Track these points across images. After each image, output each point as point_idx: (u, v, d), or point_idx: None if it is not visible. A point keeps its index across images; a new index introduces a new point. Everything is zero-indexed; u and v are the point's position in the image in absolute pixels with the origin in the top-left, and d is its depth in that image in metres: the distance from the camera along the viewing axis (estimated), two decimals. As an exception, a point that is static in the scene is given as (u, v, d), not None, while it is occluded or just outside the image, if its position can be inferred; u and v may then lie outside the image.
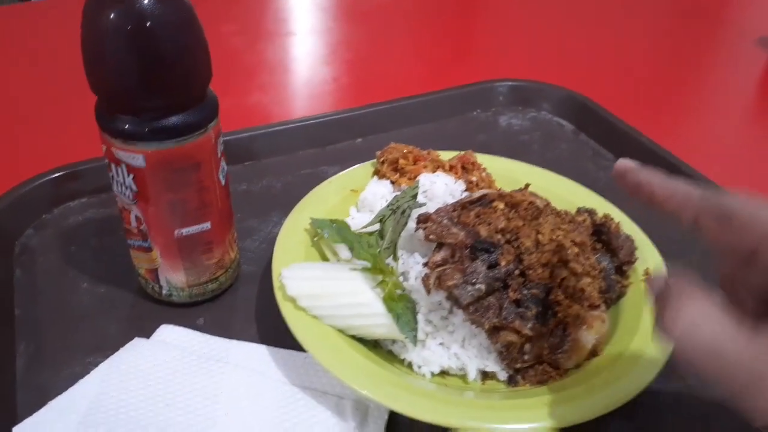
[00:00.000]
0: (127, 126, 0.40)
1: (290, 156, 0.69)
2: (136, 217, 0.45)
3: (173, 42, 0.39)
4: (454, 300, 0.42)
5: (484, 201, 0.45)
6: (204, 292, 0.50)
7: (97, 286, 0.52)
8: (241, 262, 0.54)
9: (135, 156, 0.41)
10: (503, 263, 0.42)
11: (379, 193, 0.52)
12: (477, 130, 0.74)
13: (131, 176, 0.43)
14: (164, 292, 0.49)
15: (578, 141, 0.72)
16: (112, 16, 0.37)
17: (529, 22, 1.02)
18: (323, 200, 0.55)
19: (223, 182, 0.47)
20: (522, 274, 0.43)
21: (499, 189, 0.46)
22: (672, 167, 0.65)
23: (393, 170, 0.54)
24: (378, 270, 0.43)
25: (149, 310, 0.50)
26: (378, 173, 0.57)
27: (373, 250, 0.44)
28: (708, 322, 0.27)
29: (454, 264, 0.43)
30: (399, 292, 0.43)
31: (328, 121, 0.70)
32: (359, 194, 0.56)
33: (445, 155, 0.58)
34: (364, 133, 0.72)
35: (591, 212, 0.50)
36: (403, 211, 0.45)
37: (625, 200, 0.55)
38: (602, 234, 0.49)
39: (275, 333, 0.48)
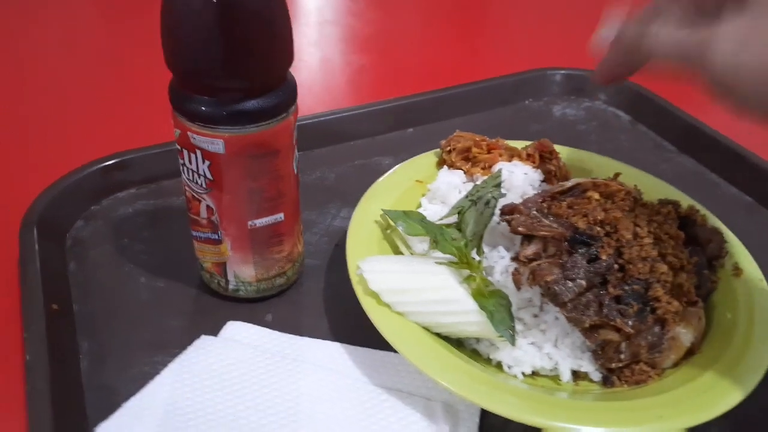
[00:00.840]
0: (207, 108, 0.38)
1: (341, 146, 0.66)
2: (207, 207, 0.43)
3: (263, 17, 0.36)
4: (551, 296, 0.39)
5: (576, 191, 0.43)
6: (272, 286, 0.48)
7: (155, 280, 0.49)
8: (305, 254, 0.52)
9: (214, 141, 0.39)
10: (604, 257, 0.40)
11: (452, 183, 0.50)
12: (531, 120, 0.71)
13: (207, 163, 0.40)
14: (231, 286, 0.47)
15: (637, 132, 0.70)
16: (194, -12, 0.35)
17: (580, 7, 1.00)
18: (388, 191, 0.52)
19: (295, 170, 0.44)
20: (621, 268, 0.40)
21: (593, 179, 0.43)
22: (737, 157, 0.62)
23: (464, 159, 0.52)
24: (465, 264, 0.41)
25: (213, 306, 0.48)
26: (445, 163, 0.54)
27: (458, 243, 0.42)
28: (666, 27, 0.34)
29: (550, 258, 0.40)
30: (490, 288, 0.41)
31: (378, 110, 0.68)
32: (425, 184, 0.54)
33: (512, 144, 0.56)
34: (414, 122, 0.69)
35: (675, 204, 0.48)
36: (487, 202, 0.43)
37: (701, 194, 0.53)
38: (688, 226, 0.47)
39: (348, 329, 0.46)
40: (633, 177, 0.53)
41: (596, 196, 0.42)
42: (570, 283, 0.39)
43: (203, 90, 0.38)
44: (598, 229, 0.40)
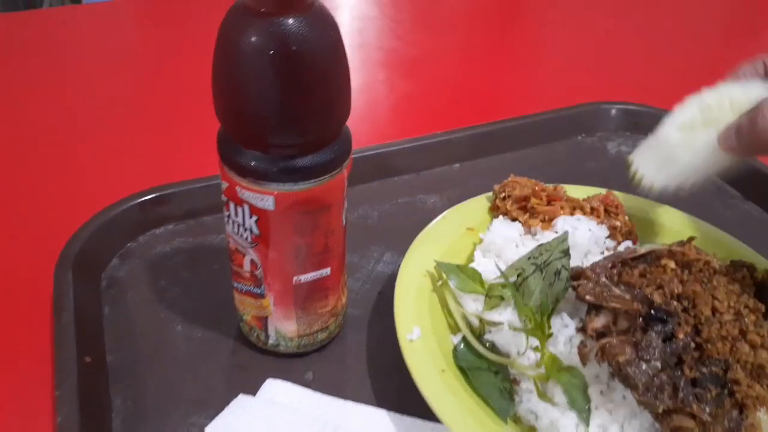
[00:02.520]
0: (258, 164, 0.35)
1: (384, 182, 0.63)
2: (252, 261, 0.40)
3: (322, 70, 0.34)
4: (623, 378, 0.36)
5: (649, 257, 0.40)
6: (313, 342, 0.45)
7: (193, 329, 0.47)
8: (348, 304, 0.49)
9: (264, 197, 0.36)
10: (681, 336, 0.36)
11: (509, 236, 0.47)
12: (585, 157, 0.68)
13: (254, 218, 0.38)
14: (271, 341, 0.44)
15: (697, 174, 0.66)
16: (253, 37, 0.32)
17: (636, 38, 0.95)
18: (438, 239, 0.50)
19: (344, 222, 0.42)
20: (697, 347, 0.37)
21: (668, 245, 0.40)
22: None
23: (520, 209, 0.49)
24: (538, 332, 0.38)
25: (252, 360, 0.45)
26: (498, 210, 0.51)
27: (531, 308, 0.39)
28: None
29: (622, 333, 0.37)
30: (560, 363, 0.38)
31: (423, 144, 0.65)
32: (477, 233, 0.51)
33: (572, 191, 0.52)
34: (460, 157, 0.67)
35: (750, 267, 0.44)
36: (558, 272, 0.39)
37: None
38: (765, 293, 0.43)
39: (393, 392, 0.43)
40: (701, 233, 0.49)
41: (672, 265, 0.39)
42: (644, 365, 0.36)
43: (255, 144, 0.35)
44: (675, 304, 0.37)
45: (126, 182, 0.56)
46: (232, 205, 0.38)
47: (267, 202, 0.36)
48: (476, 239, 0.50)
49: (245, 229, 0.39)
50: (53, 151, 0.65)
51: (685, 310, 0.37)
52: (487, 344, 0.43)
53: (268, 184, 0.36)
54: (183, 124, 0.69)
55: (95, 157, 0.65)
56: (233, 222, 0.39)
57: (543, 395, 0.37)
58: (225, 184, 0.38)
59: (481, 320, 0.43)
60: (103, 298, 0.49)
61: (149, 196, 0.55)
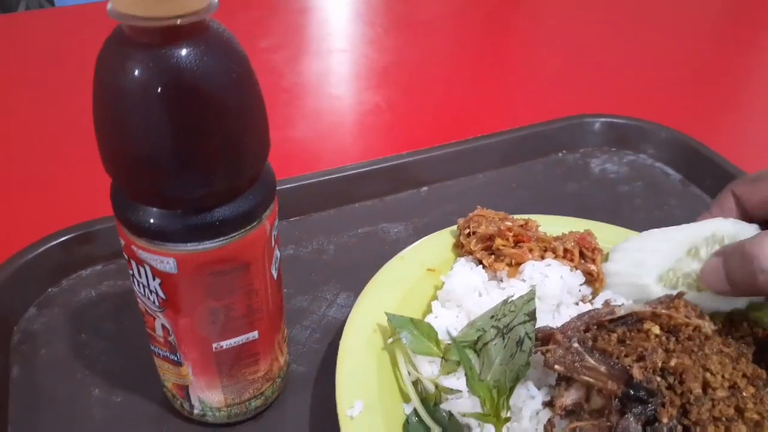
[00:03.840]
0: (154, 221, 0.29)
1: (343, 210, 0.57)
2: (163, 326, 0.34)
3: (222, 107, 0.27)
4: (597, 470, 0.30)
5: (630, 320, 0.34)
6: (246, 410, 0.39)
7: (112, 393, 0.41)
8: (290, 360, 0.43)
9: (164, 260, 0.30)
10: (665, 420, 0.30)
11: (471, 284, 0.41)
12: (565, 177, 0.62)
13: (158, 281, 0.32)
14: (196, 411, 0.38)
15: (690, 195, 0.60)
16: (134, 72, 0.26)
17: (619, 49, 0.89)
18: (396, 282, 0.44)
19: (275, 276, 0.36)
20: (685, 430, 0.31)
21: (653, 304, 0.34)
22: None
23: (485, 249, 0.43)
24: (493, 419, 0.32)
25: (177, 431, 0.39)
26: (462, 248, 0.45)
27: (488, 385, 0.33)
28: None
29: (596, 415, 0.31)
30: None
31: (388, 167, 0.59)
32: (438, 274, 0.45)
33: (546, 223, 0.46)
34: (428, 180, 0.60)
35: (750, 322, 0.38)
36: (520, 341, 0.33)
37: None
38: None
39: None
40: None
41: (656, 330, 0.33)
42: (621, 456, 0.30)
43: (148, 198, 0.29)
44: (659, 380, 0.31)
45: (47, 220, 0.50)
46: (133, 264, 0.32)
47: (168, 265, 0.30)
48: (437, 282, 0.44)
49: (151, 292, 0.33)
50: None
51: (670, 387, 0.31)
52: (445, 414, 0.37)
53: (166, 245, 0.30)
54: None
55: (10, 191, 0.57)
56: (138, 282, 0.33)
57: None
58: (122, 242, 0.32)
59: (437, 386, 0.37)
60: (13, 357, 0.43)
61: (73, 234, 0.49)
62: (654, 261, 0.40)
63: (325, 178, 0.56)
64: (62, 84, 0.73)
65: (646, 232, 0.42)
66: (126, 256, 0.33)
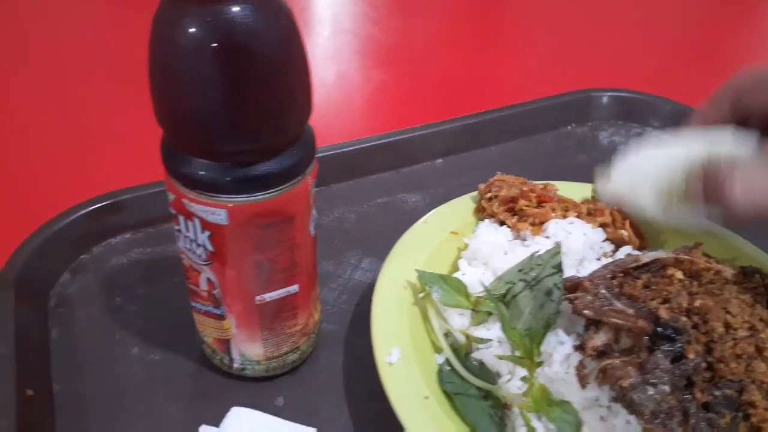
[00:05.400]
0: (207, 174, 0.31)
1: (361, 181, 0.59)
2: (208, 280, 0.36)
3: (273, 64, 0.29)
4: (628, 404, 0.32)
5: (654, 267, 0.36)
6: (283, 364, 0.41)
7: (150, 352, 0.43)
8: (321, 319, 0.45)
9: (216, 211, 0.32)
10: (691, 355, 0.32)
11: (496, 242, 0.42)
12: (575, 149, 0.63)
13: (207, 233, 0.33)
14: (236, 365, 0.40)
15: (695, 164, 0.62)
16: (191, 29, 0.27)
17: (626, 23, 0.91)
18: (421, 245, 0.45)
19: (313, 233, 0.37)
20: (709, 367, 0.33)
21: (675, 252, 0.36)
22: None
23: (508, 211, 0.44)
24: (528, 361, 0.34)
25: (216, 385, 0.41)
26: (484, 212, 0.47)
27: (520, 332, 0.35)
28: (758, 177, 0.33)
29: (625, 354, 0.33)
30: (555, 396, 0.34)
31: (403, 140, 0.60)
32: (461, 237, 0.46)
33: (563, 188, 0.48)
34: (443, 152, 0.62)
35: (763, 274, 0.40)
36: (549, 292, 0.35)
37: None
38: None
39: (372, 419, 0.39)
40: (706, 233, 0.45)
41: (679, 275, 0.35)
42: (651, 390, 0.32)
43: (202, 152, 0.30)
44: (684, 319, 0.33)
45: (76, 189, 0.51)
46: (181, 219, 0.34)
47: (220, 217, 0.32)
48: (461, 244, 0.46)
49: (198, 246, 0.34)
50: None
51: (695, 326, 0.33)
52: (475, 363, 0.39)
53: (219, 196, 0.31)
54: (137, 123, 0.63)
55: (42, 162, 0.59)
56: (185, 237, 0.35)
57: (532, 429, 0.33)
58: (172, 196, 0.33)
59: (467, 337, 0.39)
60: (51, 320, 0.44)
61: (103, 203, 0.50)
62: (649, 183, 0.40)
63: (344, 150, 0.58)
64: (86, 58, 0.74)
65: (644, 150, 0.42)
66: (174, 211, 0.34)
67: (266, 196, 0.32)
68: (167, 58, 0.29)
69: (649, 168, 0.40)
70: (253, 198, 0.32)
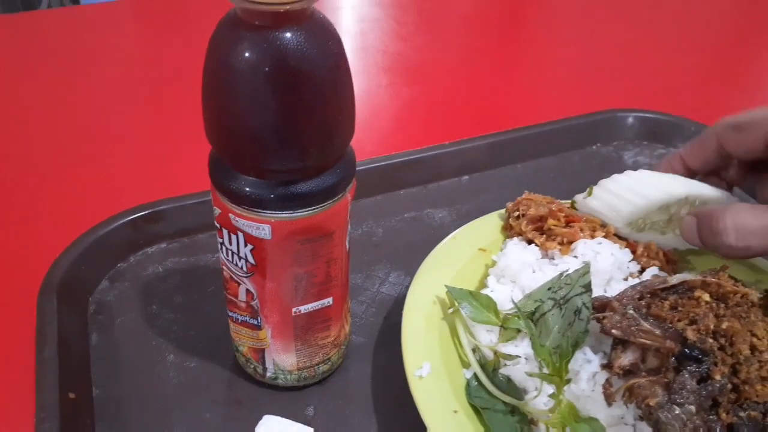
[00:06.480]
0: (253, 190, 0.32)
1: (389, 196, 0.60)
2: (247, 291, 0.37)
3: (322, 88, 0.30)
4: (654, 424, 0.33)
5: (681, 289, 0.36)
6: (314, 374, 0.42)
7: (186, 359, 0.44)
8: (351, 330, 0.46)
9: (260, 226, 0.33)
10: (717, 376, 0.33)
11: (525, 260, 0.43)
12: (600, 168, 0.64)
13: (249, 247, 0.35)
14: (269, 374, 0.41)
15: (719, 187, 0.63)
16: (246, 52, 0.29)
17: (652, 45, 0.91)
18: (449, 261, 0.46)
19: (347, 248, 0.39)
20: (734, 389, 0.34)
21: (702, 274, 0.37)
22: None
23: (536, 230, 0.45)
24: (556, 378, 0.35)
25: (249, 394, 0.42)
26: (512, 230, 0.48)
27: (549, 350, 0.35)
28: (749, 215, 0.39)
29: (652, 373, 0.34)
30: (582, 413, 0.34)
31: (431, 156, 0.62)
32: (489, 254, 0.47)
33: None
34: (469, 169, 0.63)
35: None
36: (578, 311, 0.36)
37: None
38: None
39: (401, 428, 0.40)
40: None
41: (706, 297, 0.35)
42: (677, 410, 0.32)
43: (250, 169, 0.32)
44: (711, 341, 0.34)
45: (117, 198, 0.53)
46: (225, 233, 0.35)
47: (263, 231, 0.33)
48: (489, 261, 0.47)
49: (240, 258, 0.36)
50: (38, 166, 0.61)
51: (721, 348, 0.34)
52: (503, 379, 0.40)
53: (264, 212, 0.33)
54: (177, 135, 0.66)
55: (84, 171, 0.61)
56: (227, 250, 0.36)
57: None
58: (218, 210, 0.35)
59: (495, 353, 0.40)
60: (91, 326, 0.46)
61: (142, 213, 0.52)
62: (628, 210, 0.45)
63: (373, 165, 0.59)
64: (135, 72, 0.77)
65: (628, 173, 0.47)
66: (218, 225, 0.35)
67: (309, 212, 0.33)
68: (223, 79, 0.30)
69: (630, 198, 0.44)
70: (296, 214, 0.33)
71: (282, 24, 0.29)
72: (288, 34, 0.29)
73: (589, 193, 0.47)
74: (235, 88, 0.30)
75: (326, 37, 0.30)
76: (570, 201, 0.49)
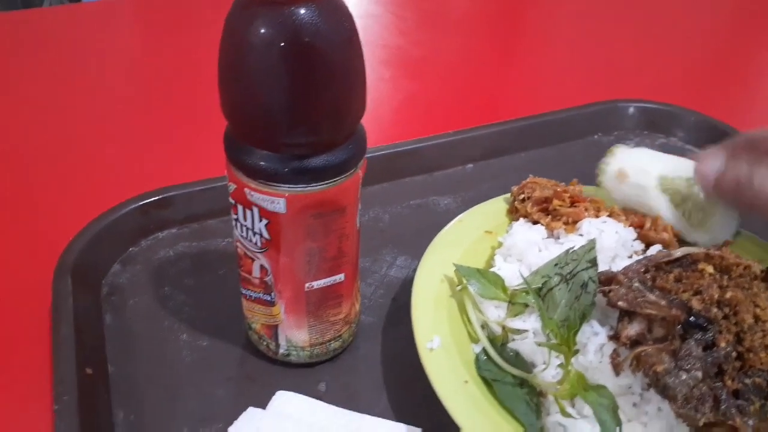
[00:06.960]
0: (268, 164, 0.33)
1: (395, 183, 0.61)
2: (261, 267, 0.38)
3: (336, 64, 0.31)
4: (661, 389, 0.34)
5: (685, 261, 0.37)
6: (326, 351, 0.43)
7: (198, 338, 0.45)
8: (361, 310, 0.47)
9: (275, 200, 0.34)
10: (722, 344, 0.34)
11: (531, 239, 0.44)
12: (601, 157, 0.65)
13: (264, 222, 0.35)
14: (281, 350, 0.42)
15: (719, 174, 0.64)
16: (262, 28, 0.30)
17: (652, 35, 0.93)
18: (456, 242, 0.47)
19: (358, 226, 0.39)
20: (739, 357, 0.35)
21: (706, 249, 0.38)
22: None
23: (541, 211, 0.46)
24: (564, 348, 0.36)
25: (261, 370, 0.43)
26: (517, 212, 0.49)
27: (556, 322, 0.36)
28: None
29: (658, 342, 0.35)
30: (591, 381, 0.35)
31: (436, 144, 0.63)
32: (495, 236, 0.48)
33: (587, 191, 0.50)
34: (473, 158, 0.64)
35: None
36: (584, 284, 0.37)
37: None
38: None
39: (411, 405, 0.41)
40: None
41: (710, 269, 0.36)
42: (684, 375, 0.33)
43: (265, 144, 0.33)
44: (715, 310, 0.35)
45: (127, 185, 0.54)
46: (240, 208, 0.36)
47: (278, 205, 0.34)
48: (495, 243, 0.48)
49: (254, 234, 0.36)
50: (50, 154, 0.62)
51: (725, 317, 0.35)
52: (511, 353, 0.40)
53: (279, 185, 0.33)
54: (185, 124, 0.67)
55: (94, 159, 0.62)
56: (242, 226, 0.37)
57: (566, 414, 0.35)
58: (233, 186, 0.36)
59: (504, 328, 0.41)
60: (104, 306, 0.47)
61: (152, 199, 0.53)
62: (657, 168, 0.46)
63: (379, 153, 0.60)
64: (147, 60, 0.78)
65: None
66: (233, 201, 0.36)
67: (322, 186, 0.34)
68: (239, 56, 0.31)
69: (660, 159, 0.46)
70: (310, 188, 0.34)
71: (297, 0, 0.30)
72: (302, 10, 0.30)
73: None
74: (251, 63, 0.31)
75: (339, 13, 0.31)
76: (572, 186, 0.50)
